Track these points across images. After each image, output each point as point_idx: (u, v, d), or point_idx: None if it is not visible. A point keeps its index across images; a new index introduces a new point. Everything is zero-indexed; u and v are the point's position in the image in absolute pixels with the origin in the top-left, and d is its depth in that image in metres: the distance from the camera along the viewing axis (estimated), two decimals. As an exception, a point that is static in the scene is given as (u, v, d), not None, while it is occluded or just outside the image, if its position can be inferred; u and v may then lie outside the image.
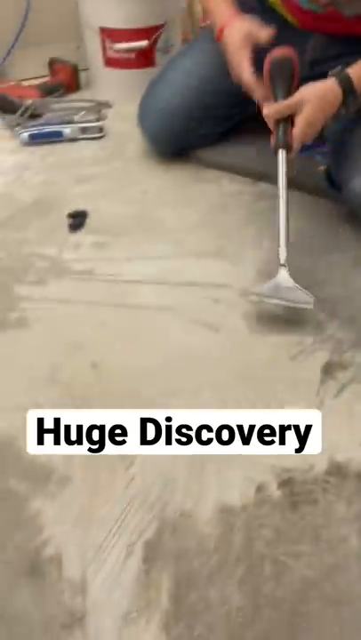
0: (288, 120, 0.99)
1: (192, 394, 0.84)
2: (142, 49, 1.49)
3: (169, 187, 1.31)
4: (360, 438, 0.78)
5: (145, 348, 0.92)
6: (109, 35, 1.47)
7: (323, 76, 1.00)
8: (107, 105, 1.58)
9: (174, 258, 1.11)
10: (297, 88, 1.00)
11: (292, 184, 1.26)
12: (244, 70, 1.04)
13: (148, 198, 1.27)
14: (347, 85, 0.97)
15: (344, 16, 1.05)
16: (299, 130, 0.97)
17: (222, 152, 1.35)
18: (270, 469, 0.74)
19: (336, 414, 0.81)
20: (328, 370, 0.88)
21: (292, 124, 0.98)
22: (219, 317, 0.97)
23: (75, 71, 1.67)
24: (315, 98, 0.96)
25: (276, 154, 0.99)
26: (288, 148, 0.99)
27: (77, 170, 1.37)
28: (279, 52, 1.03)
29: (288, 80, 1.02)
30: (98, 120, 1.51)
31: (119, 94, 1.56)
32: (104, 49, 1.51)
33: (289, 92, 1.00)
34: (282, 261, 0.95)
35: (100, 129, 1.48)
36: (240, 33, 1.05)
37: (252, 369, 0.88)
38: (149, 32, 1.47)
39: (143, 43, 1.48)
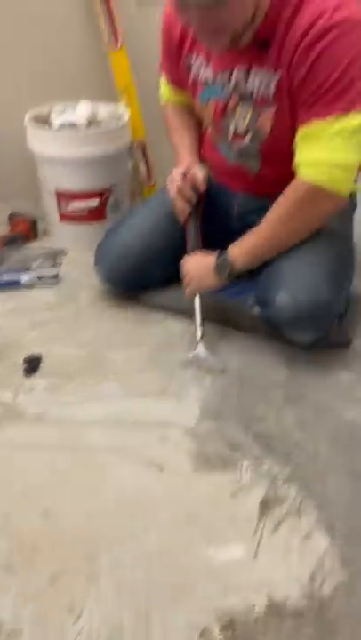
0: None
1: (139, 539, 0.88)
2: (94, 207, 1.68)
3: (119, 329, 1.42)
4: (296, 574, 0.83)
5: (94, 491, 0.96)
6: (64, 196, 1.67)
7: (251, 226, 1.22)
8: (62, 252, 1.74)
9: (123, 398, 1.19)
10: (203, 209, 1.36)
11: (230, 325, 1.40)
12: (173, 179, 1.33)
13: (99, 341, 1.37)
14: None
15: (250, 174, 1.29)
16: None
17: (167, 295, 1.48)
18: (213, 613, 0.77)
19: (274, 551, 0.86)
20: (266, 505, 0.94)
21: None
22: (164, 456, 1.03)
23: (33, 223, 1.84)
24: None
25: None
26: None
27: (33, 315, 1.47)
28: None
29: (196, 204, 1.36)
30: (53, 267, 1.65)
31: (73, 244, 1.72)
32: (59, 207, 1.69)
33: (196, 210, 1.35)
34: (198, 338, 1.27)
35: (56, 276, 1.61)
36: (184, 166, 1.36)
37: (195, 508, 0.94)
38: (100, 193, 1.67)
39: (94, 202, 1.67)
